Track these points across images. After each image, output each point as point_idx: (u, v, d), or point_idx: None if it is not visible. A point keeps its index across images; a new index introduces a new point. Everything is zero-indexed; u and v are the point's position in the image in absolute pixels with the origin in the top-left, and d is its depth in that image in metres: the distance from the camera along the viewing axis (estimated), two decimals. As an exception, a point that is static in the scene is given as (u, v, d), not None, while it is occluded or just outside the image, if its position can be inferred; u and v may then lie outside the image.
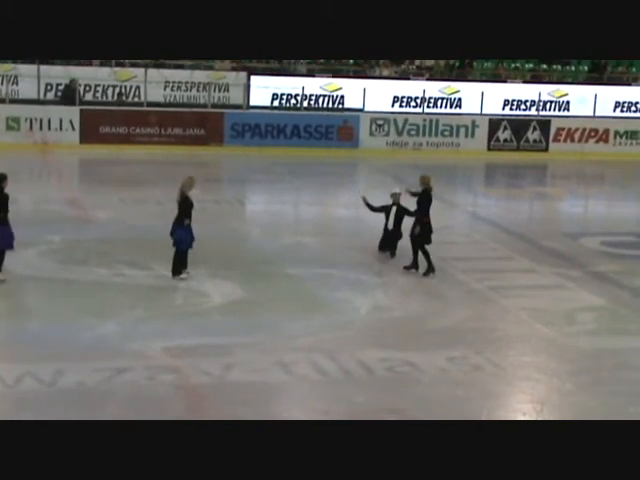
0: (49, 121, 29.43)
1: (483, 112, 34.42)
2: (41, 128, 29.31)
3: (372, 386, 12.49)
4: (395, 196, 18.62)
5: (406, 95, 34.64)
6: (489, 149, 34.00)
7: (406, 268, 17.46)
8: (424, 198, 17.38)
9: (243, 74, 32.85)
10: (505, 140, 33.97)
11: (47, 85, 30.73)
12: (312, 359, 13.09)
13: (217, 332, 14.11)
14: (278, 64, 35.09)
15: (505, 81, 37.51)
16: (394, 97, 34.23)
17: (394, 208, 18.55)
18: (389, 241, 18.57)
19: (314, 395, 12.29)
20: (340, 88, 33.82)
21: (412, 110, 34.38)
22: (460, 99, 35.36)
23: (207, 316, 14.90)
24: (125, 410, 11.23)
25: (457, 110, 35.19)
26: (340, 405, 11.75)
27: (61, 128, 29.54)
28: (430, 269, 17.24)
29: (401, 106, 34.58)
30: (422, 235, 17.22)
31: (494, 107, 35.47)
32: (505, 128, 33.86)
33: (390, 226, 18.57)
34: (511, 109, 36.17)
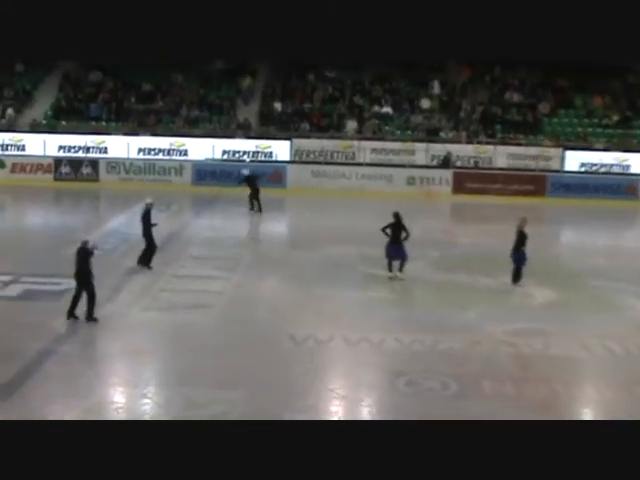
0: (433, 179, 30.45)
1: None
2: (428, 183, 30.36)
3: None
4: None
5: None
6: None
7: None
8: None
9: (560, 149, 32.05)
10: None
11: (432, 156, 31.63)
12: (605, 344, 12.88)
13: (539, 321, 14.11)
14: (584, 142, 33.63)
15: None
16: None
17: None
18: None
19: (605, 367, 12.13)
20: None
21: None
22: None
23: (533, 310, 14.94)
24: (481, 369, 11.64)
25: None
26: (622, 374, 11.62)
27: (440, 184, 30.41)
28: None
29: None
30: None
31: None
32: None
33: None
34: None
